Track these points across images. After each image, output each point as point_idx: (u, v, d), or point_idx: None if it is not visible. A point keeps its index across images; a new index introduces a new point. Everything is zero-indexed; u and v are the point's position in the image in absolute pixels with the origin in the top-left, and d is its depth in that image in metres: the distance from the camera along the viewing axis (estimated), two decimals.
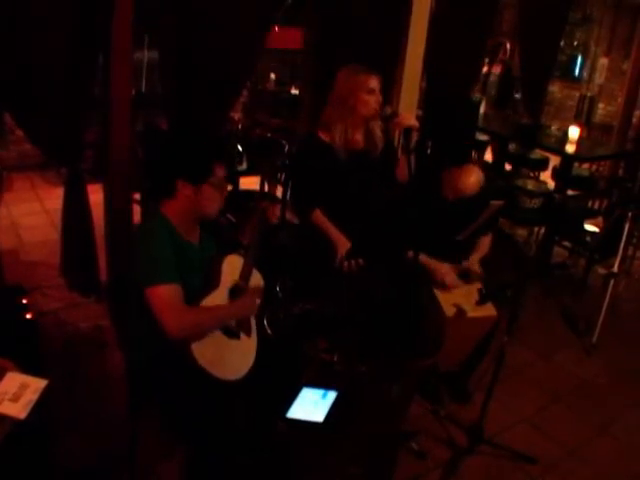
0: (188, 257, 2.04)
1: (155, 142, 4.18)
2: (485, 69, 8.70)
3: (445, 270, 2.89)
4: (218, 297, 2.08)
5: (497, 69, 8.74)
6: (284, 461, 2.28)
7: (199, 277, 2.09)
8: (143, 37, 5.24)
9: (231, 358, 2.10)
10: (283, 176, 3.83)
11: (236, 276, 2.15)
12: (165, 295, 1.91)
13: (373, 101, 2.68)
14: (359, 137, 2.79)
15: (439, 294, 2.85)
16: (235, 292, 2.14)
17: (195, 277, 2.06)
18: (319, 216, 2.78)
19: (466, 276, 2.93)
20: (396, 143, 3.19)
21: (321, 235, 2.77)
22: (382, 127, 2.82)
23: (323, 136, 2.75)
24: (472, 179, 2.86)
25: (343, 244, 2.75)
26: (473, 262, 2.98)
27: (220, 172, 2.05)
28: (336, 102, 2.69)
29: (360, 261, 2.75)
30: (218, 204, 2.09)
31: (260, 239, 2.22)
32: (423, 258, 2.86)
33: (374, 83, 2.67)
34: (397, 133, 3.12)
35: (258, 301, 2.21)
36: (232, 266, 2.15)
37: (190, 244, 2.10)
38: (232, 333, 2.12)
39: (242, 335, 2.16)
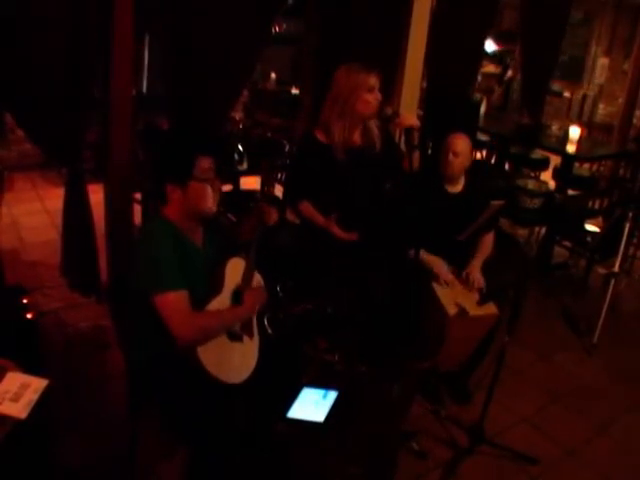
0: (192, 259, 2.03)
1: (156, 142, 4.18)
2: (510, 73, 8.74)
3: (438, 263, 2.90)
4: (222, 301, 2.08)
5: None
6: (284, 461, 2.28)
7: (203, 279, 2.08)
8: (143, 37, 5.24)
9: (234, 361, 2.10)
10: (283, 176, 3.83)
11: (238, 279, 2.15)
12: (173, 302, 1.90)
13: (374, 99, 2.67)
14: (357, 136, 2.79)
15: (440, 293, 2.85)
16: (237, 296, 2.14)
17: (199, 279, 2.05)
18: (307, 207, 2.79)
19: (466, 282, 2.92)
20: (398, 141, 3.20)
21: (321, 235, 2.78)
22: (379, 124, 2.83)
23: (320, 136, 2.74)
24: (462, 139, 2.90)
25: (331, 222, 2.76)
26: (475, 268, 2.94)
27: (203, 164, 1.99)
28: (335, 101, 2.68)
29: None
30: (211, 198, 2.03)
31: (260, 241, 2.22)
32: (432, 260, 2.89)
33: (374, 81, 2.65)
34: (398, 133, 3.12)
35: (262, 297, 2.21)
36: (235, 269, 2.15)
37: (194, 245, 2.10)
38: (235, 336, 2.12)
39: (245, 338, 2.17)
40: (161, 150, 2.06)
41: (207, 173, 2.01)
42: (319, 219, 2.79)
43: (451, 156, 2.89)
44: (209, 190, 2.02)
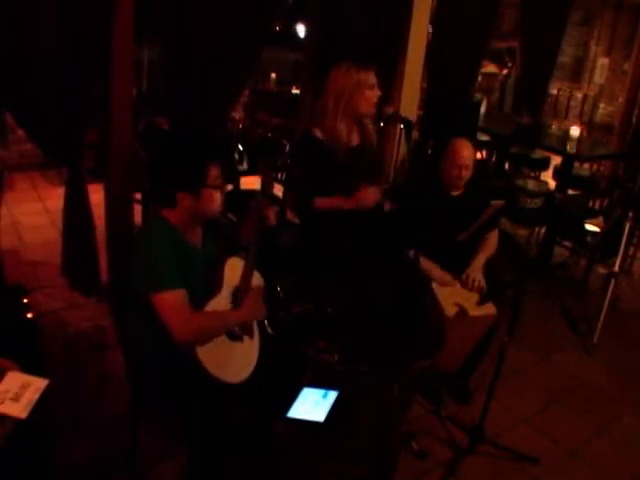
0: (191, 259, 2.03)
1: (156, 142, 4.17)
2: (506, 71, 8.75)
3: (438, 271, 2.89)
4: (221, 301, 2.08)
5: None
6: (284, 461, 2.28)
7: (201, 279, 2.08)
8: (143, 37, 5.23)
9: (234, 361, 2.10)
10: (283, 175, 3.83)
11: (237, 279, 2.15)
12: (172, 301, 1.90)
13: (374, 96, 2.70)
14: (356, 133, 2.79)
15: (440, 294, 2.85)
16: (237, 295, 2.14)
17: (198, 279, 2.05)
18: (321, 201, 2.75)
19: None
20: (397, 140, 3.20)
21: (321, 234, 2.77)
22: (374, 122, 2.83)
23: (319, 135, 2.74)
24: (466, 150, 2.88)
25: (358, 197, 2.72)
26: (475, 269, 2.94)
27: (215, 171, 2.01)
28: (338, 101, 2.67)
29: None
30: (219, 203, 2.07)
31: (259, 240, 2.22)
32: (434, 269, 2.89)
33: (373, 78, 2.68)
34: (398, 131, 3.13)
35: (262, 303, 2.21)
36: (233, 269, 2.15)
37: (192, 246, 2.09)
38: (235, 336, 2.12)
39: (245, 338, 2.16)
40: (172, 159, 2.03)
41: (217, 179, 2.03)
42: (342, 203, 2.72)
43: (455, 170, 2.87)
44: (219, 195, 2.05)
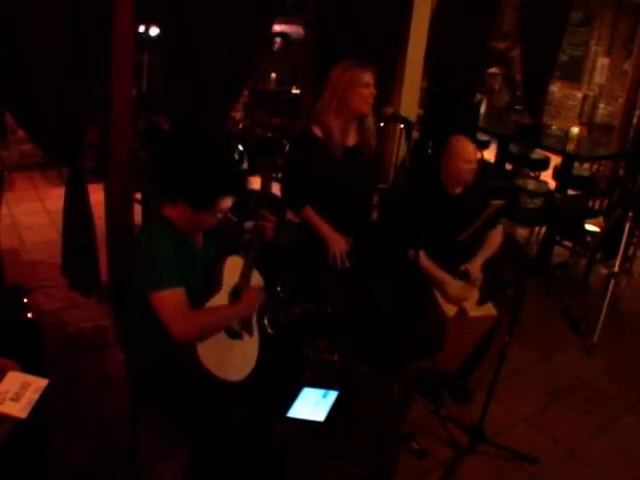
0: (191, 259, 2.03)
1: (157, 142, 4.17)
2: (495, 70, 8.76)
3: (454, 286, 2.85)
4: (220, 299, 2.08)
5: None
6: (284, 461, 2.28)
7: (201, 278, 2.09)
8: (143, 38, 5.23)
9: (234, 359, 2.10)
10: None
11: (237, 278, 2.15)
12: (170, 300, 1.90)
13: (368, 94, 2.69)
14: (353, 133, 2.79)
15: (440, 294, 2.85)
16: (236, 294, 2.14)
17: (197, 278, 2.06)
18: (310, 213, 2.78)
19: (465, 276, 2.90)
20: (397, 140, 3.20)
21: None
22: (376, 123, 2.83)
23: (317, 132, 2.74)
24: (470, 145, 2.88)
25: (336, 242, 2.75)
26: (476, 265, 2.91)
27: (224, 204, 2.00)
28: (332, 98, 2.69)
29: (353, 260, 2.75)
30: (214, 224, 2.06)
31: (259, 240, 2.22)
32: (434, 270, 2.86)
33: (368, 77, 2.68)
34: (398, 131, 3.13)
35: (261, 297, 2.21)
36: (233, 268, 2.15)
37: (193, 245, 2.10)
38: (235, 334, 2.12)
39: (245, 336, 2.17)
40: (192, 176, 1.99)
41: (223, 210, 2.03)
42: (325, 230, 2.76)
43: (465, 164, 2.85)
44: (215, 220, 2.04)
